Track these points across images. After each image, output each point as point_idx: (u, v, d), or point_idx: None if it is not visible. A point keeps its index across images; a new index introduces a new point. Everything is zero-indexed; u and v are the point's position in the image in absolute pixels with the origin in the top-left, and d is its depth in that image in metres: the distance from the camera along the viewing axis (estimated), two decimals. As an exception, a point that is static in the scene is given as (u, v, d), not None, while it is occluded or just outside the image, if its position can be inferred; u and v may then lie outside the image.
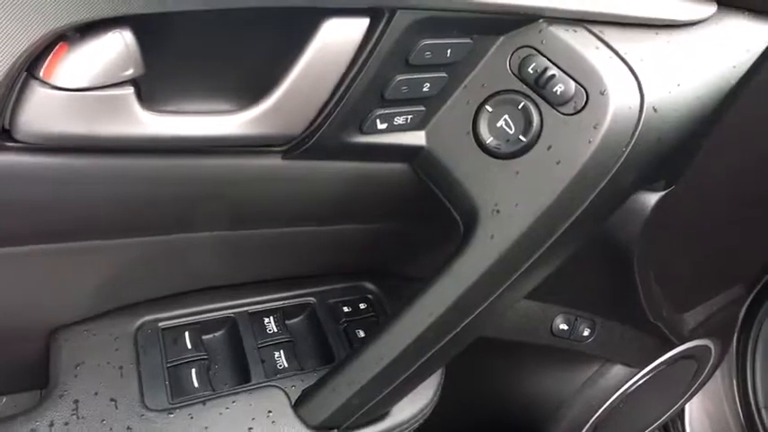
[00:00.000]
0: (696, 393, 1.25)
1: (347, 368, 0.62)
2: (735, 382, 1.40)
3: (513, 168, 0.52)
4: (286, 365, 0.70)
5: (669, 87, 0.51)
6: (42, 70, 0.42)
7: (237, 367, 0.69)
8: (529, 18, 0.52)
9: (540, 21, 0.52)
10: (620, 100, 0.49)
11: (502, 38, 0.53)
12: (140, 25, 0.43)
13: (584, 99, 0.49)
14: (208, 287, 0.74)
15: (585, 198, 0.51)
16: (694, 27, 0.56)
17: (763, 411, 1.37)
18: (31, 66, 0.42)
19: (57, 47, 0.41)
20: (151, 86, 0.46)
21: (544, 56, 0.51)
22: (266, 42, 0.48)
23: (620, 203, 0.57)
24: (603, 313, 0.85)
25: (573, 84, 0.50)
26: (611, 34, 0.52)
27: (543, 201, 0.51)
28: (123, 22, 0.42)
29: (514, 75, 0.52)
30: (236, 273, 0.75)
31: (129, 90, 0.44)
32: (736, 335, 1.36)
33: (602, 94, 0.49)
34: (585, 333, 0.86)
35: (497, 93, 0.53)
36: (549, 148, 0.50)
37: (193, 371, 0.66)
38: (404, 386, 0.62)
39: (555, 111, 0.50)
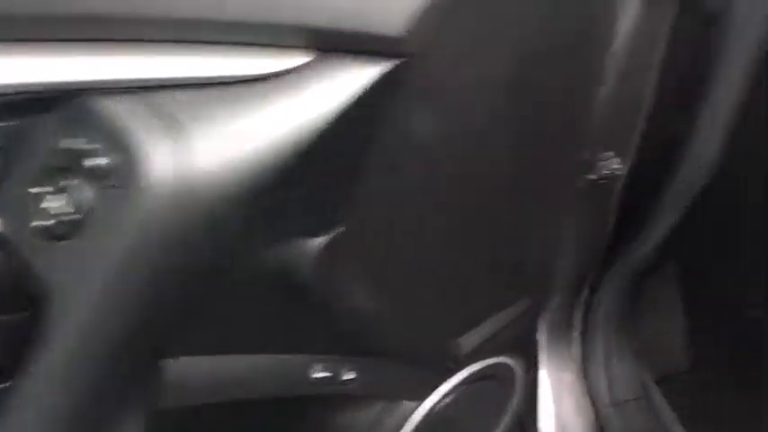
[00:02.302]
0: (523, 411, 1.23)
1: None
2: (585, 383, 1.41)
3: (73, 246, 0.51)
4: None
5: (225, 146, 0.52)
6: None
7: None
8: (71, 94, 0.51)
9: (83, 95, 0.51)
10: (161, 166, 0.49)
11: (47, 116, 0.52)
12: None
13: (128, 170, 0.49)
14: None
15: (148, 264, 0.51)
16: (278, 78, 0.56)
17: (611, 409, 1.38)
18: None
19: None
20: None
21: (85, 131, 0.50)
22: None
23: (211, 263, 0.56)
24: (357, 353, 0.84)
25: (114, 156, 0.49)
26: (161, 99, 0.52)
27: (104, 274, 0.50)
28: None
29: (58, 153, 0.51)
30: None
31: None
32: (579, 337, 1.37)
33: (141, 162, 0.48)
34: (350, 376, 0.85)
35: (47, 172, 0.52)
36: (101, 222, 0.50)
37: None
38: None
39: (99, 185, 0.50)
